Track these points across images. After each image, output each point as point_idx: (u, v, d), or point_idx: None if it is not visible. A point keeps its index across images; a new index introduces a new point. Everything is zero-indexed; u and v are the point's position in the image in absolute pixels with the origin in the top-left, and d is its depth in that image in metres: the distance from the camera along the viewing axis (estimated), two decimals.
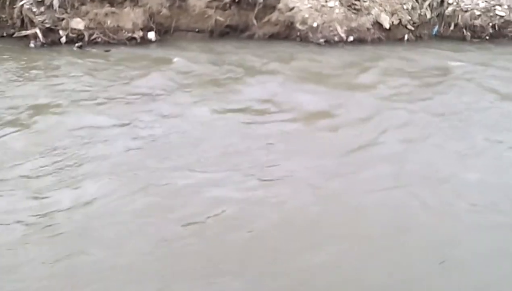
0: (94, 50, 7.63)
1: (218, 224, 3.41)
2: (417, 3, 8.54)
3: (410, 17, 8.49)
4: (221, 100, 5.71)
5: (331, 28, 8.36)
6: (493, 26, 8.51)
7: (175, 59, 7.10)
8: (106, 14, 8.14)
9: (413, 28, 8.52)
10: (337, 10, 8.39)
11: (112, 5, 8.20)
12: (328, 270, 3.07)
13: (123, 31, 8.09)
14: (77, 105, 5.39)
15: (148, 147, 4.50)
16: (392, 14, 8.48)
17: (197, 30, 8.49)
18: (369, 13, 8.44)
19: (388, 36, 8.50)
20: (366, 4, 8.47)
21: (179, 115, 5.23)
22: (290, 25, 8.42)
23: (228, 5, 8.38)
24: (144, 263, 3.03)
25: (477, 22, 8.50)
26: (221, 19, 8.42)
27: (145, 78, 6.35)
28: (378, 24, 8.46)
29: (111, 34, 7.99)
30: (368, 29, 8.44)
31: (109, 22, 8.11)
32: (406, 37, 8.52)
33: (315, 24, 8.33)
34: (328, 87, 6.32)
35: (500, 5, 8.56)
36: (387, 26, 8.42)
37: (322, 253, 3.20)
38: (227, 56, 7.48)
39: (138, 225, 3.36)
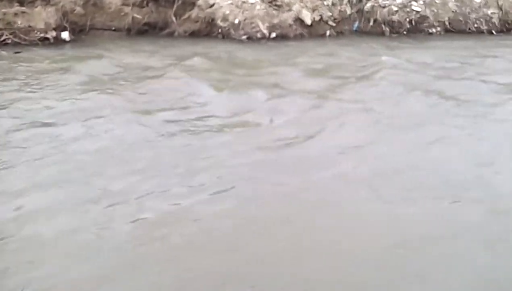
0: (3, 53, 7.26)
1: None
2: (337, 0, 8.71)
3: (331, 13, 8.66)
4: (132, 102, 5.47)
5: (253, 25, 8.38)
6: (410, 21, 8.83)
7: (89, 61, 6.85)
8: (16, 14, 7.81)
9: (334, 24, 8.69)
10: (258, 7, 8.43)
11: (22, 4, 7.88)
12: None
13: (35, 31, 7.78)
14: None
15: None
16: (313, 11, 8.62)
17: (113, 28, 8.28)
18: (290, 10, 8.54)
19: (310, 32, 8.63)
20: (287, 0, 8.55)
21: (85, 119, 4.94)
22: (211, 22, 8.38)
23: (145, 2, 8.24)
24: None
25: (395, 17, 8.78)
26: (139, 16, 8.27)
27: (56, 79, 6.05)
28: (300, 21, 8.57)
29: (22, 35, 7.64)
30: (290, 25, 8.53)
31: (19, 22, 7.77)
32: (328, 33, 8.68)
33: (236, 21, 8.32)
34: (242, 84, 6.25)
35: (416, 1, 8.90)
36: (309, 22, 8.55)
37: None
38: (141, 55, 7.31)
39: None
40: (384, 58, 7.48)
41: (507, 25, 9.06)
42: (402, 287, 2.74)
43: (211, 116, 5.05)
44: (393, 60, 7.50)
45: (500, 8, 9.04)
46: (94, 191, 3.51)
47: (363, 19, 8.83)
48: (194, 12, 8.37)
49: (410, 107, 5.60)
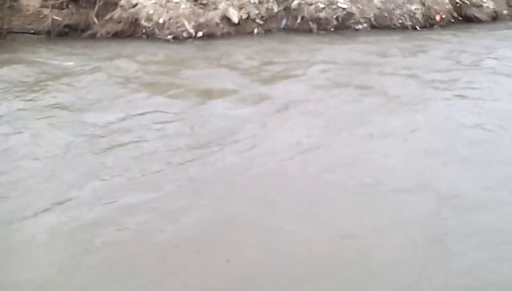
0: None
1: None
2: None
3: (258, 11, 8.72)
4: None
5: (178, 24, 8.34)
6: (337, 18, 9.00)
7: (6, 66, 6.62)
8: None
9: (262, 22, 8.76)
10: (183, 6, 8.40)
11: None
12: None
13: None
14: None
15: None
16: (240, 9, 8.66)
17: (32, 32, 8.04)
18: (216, 8, 8.55)
19: (238, 30, 8.66)
20: None
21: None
22: (135, 22, 8.28)
23: (65, 3, 8.05)
24: None
25: (322, 14, 8.94)
26: (58, 18, 8.08)
27: None
28: (227, 19, 8.58)
29: None
30: (217, 24, 8.53)
31: None
32: (255, 31, 8.73)
33: (161, 20, 8.26)
34: (164, 86, 6.22)
35: None
36: (236, 21, 8.58)
37: None
38: (62, 58, 7.13)
39: None
40: (311, 54, 7.61)
41: (430, 21, 9.37)
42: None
43: (136, 115, 5.02)
44: (321, 56, 7.65)
45: (423, 4, 9.37)
46: None
47: (290, 17, 8.94)
48: (117, 13, 8.25)
49: (339, 103, 5.73)
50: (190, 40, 8.36)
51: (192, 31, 8.37)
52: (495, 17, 9.72)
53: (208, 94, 5.93)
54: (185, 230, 3.27)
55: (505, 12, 9.81)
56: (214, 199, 3.65)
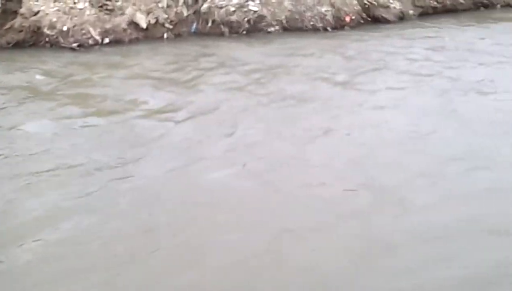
0: None
1: None
2: (172, 1, 8.78)
3: (167, 16, 8.71)
4: None
5: (83, 31, 8.21)
6: (249, 21, 9.12)
7: None
8: None
9: (171, 27, 8.75)
10: (88, 12, 8.27)
11: None
12: None
13: None
14: None
15: None
16: (148, 13, 8.62)
17: None
18: (123, 13, 8.47)
19: (147, 35, 8.62)
20: (119, 4, 8.48)
21: None
22: (38, 31, 8.06)
23: None
24: None
25: (233, 18, 9.03)
26: None
27: None
28: (134, 24, 8.52)
29: None
30: (124, 29, 8.46)
31: None
32: (165, 35, 8.71)
33: (65, 28, 8.10)
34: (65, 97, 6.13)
35: (252, 1, 9.21)
36: (144, 26, 8.54)
37: None
38: None
39: None
40: (221, 58, 7.71)
41: (340, 22, 9.65)
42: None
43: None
44: (231, 61, 7.75)
45: (333, 6, 9.63)
46: None
47: (201, 20, 8.98)
48: (17, 21, 8.01)
49: (250, 106, 5.96)
50: (97, 47, 8.25)
51: (98, 38, 8.27)
52: (402, 17, 10.14)
53: (113, 105, 5.90)
54: None
55: (411, 12, 10.27)
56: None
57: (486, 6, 11.07)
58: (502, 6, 11.15)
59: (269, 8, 9.33)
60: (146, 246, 3.40)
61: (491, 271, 3.23)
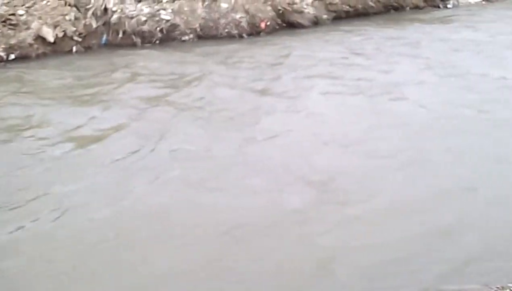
0: None
1: None
2: (80, 13, 8.66)
3: (75, 28, 8.58)
4: None
5: None
6: (161, 30, 9.13)
7: None
8: None
9: (80, 39, 8.62)
10: None
11: None
12: None
13: None
14: None
15: None
16: (55, 27, 8.46)
17: None
18: (29, 28, 8.27)
19: (55, 49, 8.46)
20: (23, 18, 8.28)
21: None
22: None
23: None
24: None
25: (145, 27, 9.02)
26: None
27: None
28: (41, 38, 8.34)
29: None
30: (31, 44, 8.27)
31: None
32: (74, 49, 8.57)
33: None
34: None
35: (164, 9, 9.24)
36: (52, 40, 8.37)
37: None
38: None
39: None
40: (132, 69, 7.68)
41: (256, 28, 9.84)
42: None
43: None
44: (143, 71, 7.75)
45: (247, 12, 9.80)
46: None
47: (111, 32, 8.90)
48: None
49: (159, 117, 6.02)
50: (2, 64, 8.01)
51: (2, 54, 8.03)
52: (316, 22, 10.45)
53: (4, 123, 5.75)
54: None
55: (325, 16, 10.60)
56: None
57: (396, 9, 11.58)
58: (411, 8, 11.69)
59: (182, 16, 9.39)
60: None
61: None
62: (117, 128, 5.70)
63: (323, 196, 4.34)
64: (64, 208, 4.13)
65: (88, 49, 8.73)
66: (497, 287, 3.30)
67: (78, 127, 5.71)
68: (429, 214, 4.06)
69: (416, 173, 4.65)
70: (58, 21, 8.53)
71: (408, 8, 11.70)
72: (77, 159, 5.01)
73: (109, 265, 3.52)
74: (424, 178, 4.56)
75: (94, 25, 8.76)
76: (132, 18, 8.98)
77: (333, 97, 6.74)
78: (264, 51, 9.02)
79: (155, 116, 6.05)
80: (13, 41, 8.19)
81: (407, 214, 4.07)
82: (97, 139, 5.44)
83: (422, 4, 11.76)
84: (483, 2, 12.15)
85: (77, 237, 3.80)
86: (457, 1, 12.00)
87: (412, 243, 3.70)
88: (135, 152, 5.10)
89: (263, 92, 6.91)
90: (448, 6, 11.87)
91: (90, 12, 8.75)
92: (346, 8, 10.97)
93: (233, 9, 9.80)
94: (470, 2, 12.07)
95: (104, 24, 8.86)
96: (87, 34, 8.72)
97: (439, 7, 11.86)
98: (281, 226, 3.91)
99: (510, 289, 3.30)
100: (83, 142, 5.35)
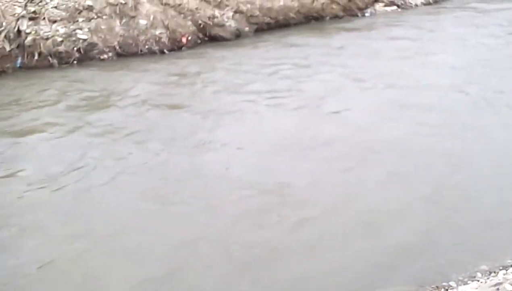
0: None
1: None
2: None
3: None
4: None
5: None
6: (79, 50, 9.15)
7: None
8: None
9: None
10: None
11: None
12: None
13: None
14: None
15: None
16: None
17: None
18: None
19: None
20: None
21: None
22: None
23: None
24: None
25: (61, 48, 9.01)
26: None
27: None
28: None
29: None
30: None
31: None
32: None
33: None
34: None
35: (80, 29, 9.26)
36: None
37: None
38: None
39: None
40: (46, 93, 7.70)
41: (177, 43, 10.01)
42: None
43: None
44: (61, 94, 7.77)
45: (167, 28, 9.97)
46: None
47: (26, 54, 8.84)
48: None
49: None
50: None
51: None
52: (238, 35, 10.74)
53: None
54: None
55: (246, 29, 10.91)
56: None
57: (316, 19, 12.04)
58: (330, 18, 12.17)
59: (100, 35, 9.44)
60: None
61: None
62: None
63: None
64: None
65: (2, 73, 8.62)
66: (432, 287, 3.42)
67: None
68: None
69: None
70: None
71: (328, 17, 12.17)
72: None
73: None
74: None
75: (8, 48, 8.69)
76: (47, 39, 8.97)
77: (250, 108, 7.06)
78: (182, 67, 9.23)
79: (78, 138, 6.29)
80: None
81: None
82: None
83: (341, 13, 12.25)
84: (399, 10, 12.80)
85: None
86: (374, 10, 12.57)
87: None
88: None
89: (186, 109, 7.19)
90: (366, 14, 12.45)
91: (2, 35, 8.65)
92: (267, 20, 11.34)
93: (152, 25, 9.96)
94: (386, 10, 12.69)
95: (18, 46, 8.78)
96: (1, 58, 8.62)
97: (357, 15, 12.38)
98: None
99: (444, 289, 3.41)
100: None
